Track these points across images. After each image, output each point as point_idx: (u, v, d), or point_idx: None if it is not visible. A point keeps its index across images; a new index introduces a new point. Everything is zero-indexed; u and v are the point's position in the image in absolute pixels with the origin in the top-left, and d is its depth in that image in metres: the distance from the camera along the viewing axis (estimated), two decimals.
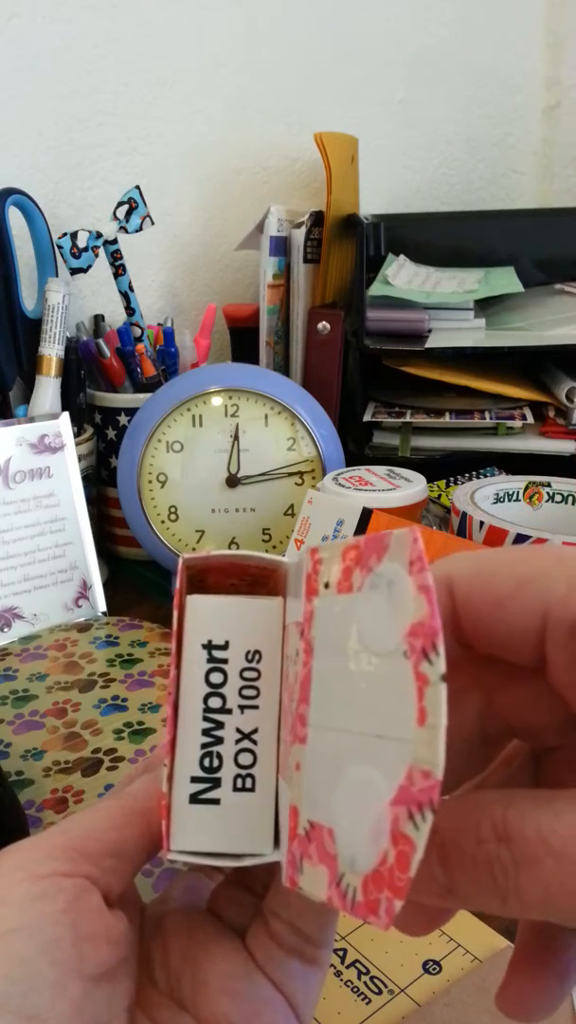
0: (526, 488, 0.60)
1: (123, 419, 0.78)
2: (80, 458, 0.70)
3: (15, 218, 0.74)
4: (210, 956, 0.23)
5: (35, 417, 0.67)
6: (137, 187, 0.77)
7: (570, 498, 0.60)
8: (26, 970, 0.19)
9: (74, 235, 0.73)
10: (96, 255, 0.74)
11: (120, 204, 0.76)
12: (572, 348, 0.77)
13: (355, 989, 0.36)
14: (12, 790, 0.43)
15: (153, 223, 0.78)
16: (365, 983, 0.36)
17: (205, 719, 0.21)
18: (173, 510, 0.69)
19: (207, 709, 0.21)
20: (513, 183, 1.14)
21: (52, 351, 0.72)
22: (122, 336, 0.79)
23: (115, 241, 0.76)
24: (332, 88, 0.99)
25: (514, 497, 0.60)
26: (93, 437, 0.78)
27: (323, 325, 0.83)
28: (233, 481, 0.68)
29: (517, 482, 0.60)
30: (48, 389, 0.73)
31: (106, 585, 0.70)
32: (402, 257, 0.88)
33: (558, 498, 0.60)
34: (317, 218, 0.85)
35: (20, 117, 0.83)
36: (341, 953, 0.37)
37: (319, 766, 0.19)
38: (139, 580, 0.76)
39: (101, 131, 0.87)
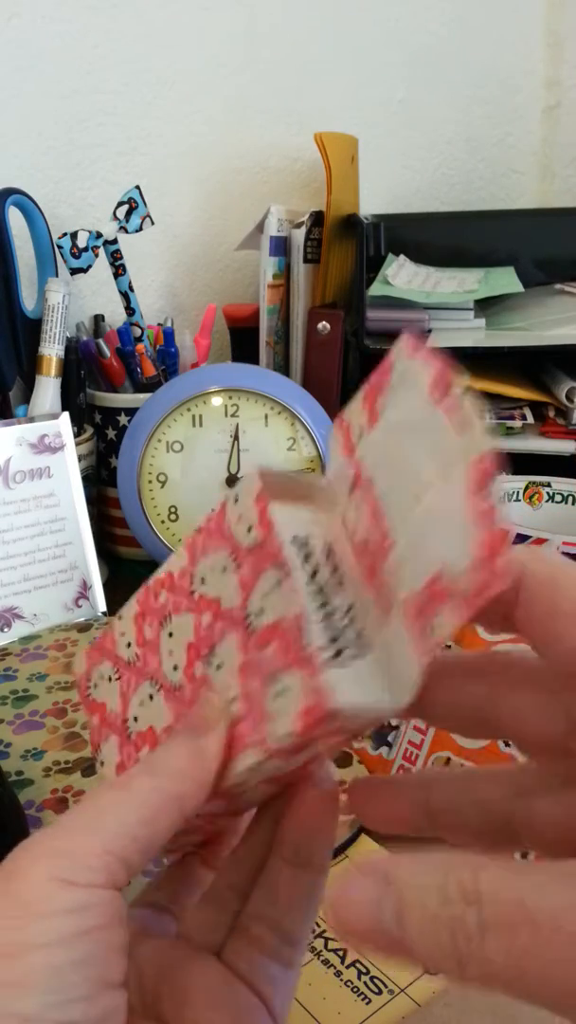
0: (526, 488, 0.60)
1: (123, 419, 0.78)
2: (80, 458, 0.70)
3: (15, 218, 0.74)
4: (188, 972, 0.23)
5: (35, 417, 0.67)
6: (137, 187, 0.77)
7: (570, 498, 0.60)
8: (62, 983, 0.19)
9: (74, 235, 0.73)
10: (96, 255, 0.74)
11: (120, 204, 0.76)
12: (572, 348, 0.77)
13: (355, 989, 0.36)
14: (12, 790, 0.43)
15: (153, 223, 0.78)
16: (365, 983, 0.36)
17: (315, 598, 0.22)
18: (173, 510, 0.69)
19: (313, 590, 0.22)
20: (513, 183, 1.14)
21: (52, 351, 0.72)
22: (122, 336, 0.79)
23: (115, 241, 0.76)
24: (332, 88, 0.99)
25: (514, 497, 0.60)
26: (93, 437, 0.78)
27: (323, 325, 0.83)
28: (233, 481, 0.68)
29: (517, 482, 0.60)
30: (48, 389, 0.73)
31: (106, 585, 0.70)
32: (402, 257, 0.88)
33: (558, 498, 0.60)
34: (317, 218, 0.85)
35: (20, 117, 0.83)
36: (341, 953, 0.37)
37: (410, 546, 0.21)
38: (139, 580, 0.76)
39: (101, 131, 0.87)
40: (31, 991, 0.19)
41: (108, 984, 0.20)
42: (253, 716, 0.22)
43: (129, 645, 0.27)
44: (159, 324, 0.83)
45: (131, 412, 0.75)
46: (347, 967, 0.37)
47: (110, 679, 0.27)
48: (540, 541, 0.49)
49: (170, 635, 0.26)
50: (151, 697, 0.25)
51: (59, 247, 0.73)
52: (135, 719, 0.26)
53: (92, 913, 0.20)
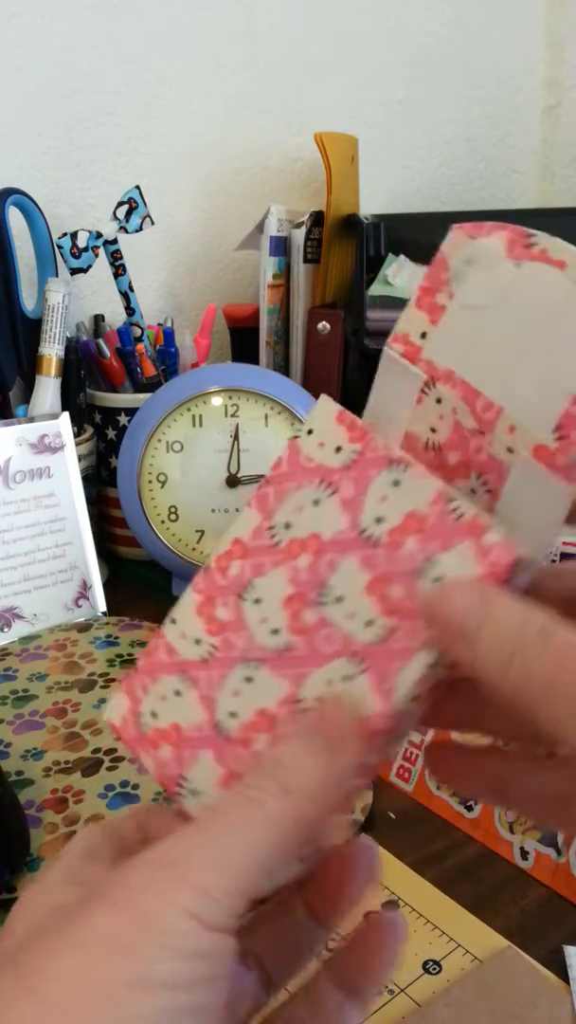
0: None
1: (123, 419, 0.78)
2: (80, 458, 0.70)
3: (15, 218, 0.74)
4: None
5: (35, 417, 0.67)
6: (137, 187, 0.77)
7: None
8: None
9: (74, 235, 0.73)
10: (96, 255, 0.74)
11: (120, 204, 0.76)
12: None
13: None
14: (12, 790, 0.43)
15: (153, 223, 0.78)
16: None
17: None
18: (173, 510, 0.69)
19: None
20: (513, 183, 1.14)
21: (52, 351, 0.72)
22: (122, 336, 0.79)
23: (115, 241, 0.76)
24: (332, 88, 0.99)
25: None
26: (93, 437, 0.78)
27: (323, 325, 0.83)
28: (233, 481, 0.68)
29: None
30: (48, 389, 0.73)
31: (106, 585, 0.70)
32: (402, 257, 0.88)
33: None
34: (317, 218, 0.85)
35: (20, 117, 0.83)
36: None
37: (524, 401, 0.22)
38: (139, 580, 0.76)
39: (101, 131, 0.87)
40: None
41: None
42: (409, 622, 0.21)
43: (198, 641, 0.24)
44: (159, 324, 0.83)
45: (131, 412, 0.75)
46: None
47: (178, 693, 0.24)
48: None
49: (256, 602, 0.24)
50: (249, 680, 0.23)
51: (59, 247, 0.73)
52: (231, 715, 0.23)
53: (217, 960, 0.19)
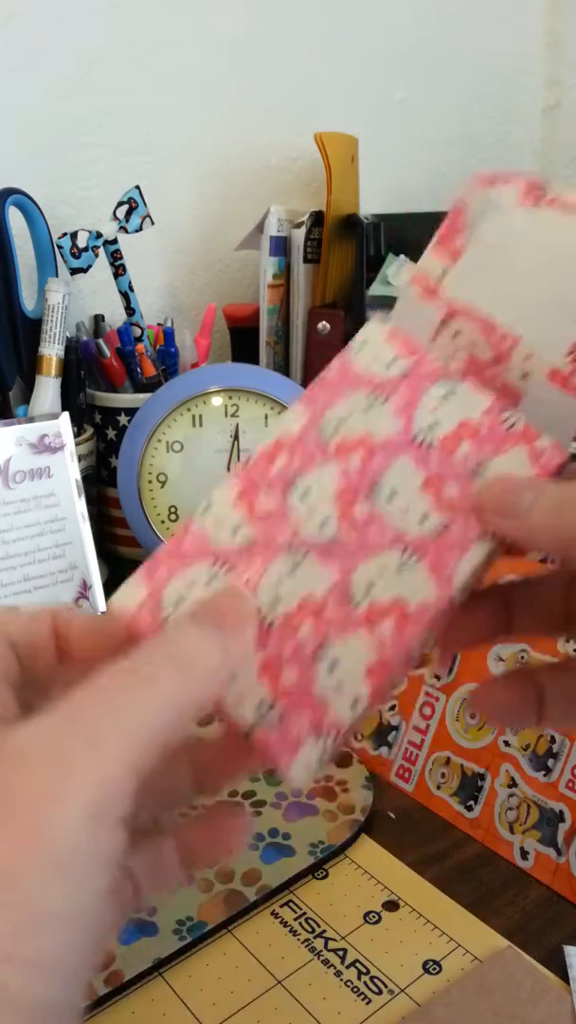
0: None
1: (123, 419, 0.78)
2: (80, 458, 0.70)
3: (15, 218, 0.74)
4: None
5: (35, 417, 0.67)
6: (137, 187, 0.77)
7: None
8: (77, 963, 0.17)
9: (74, 235, 0.73)
10: (96, 255, 0.74)
11: (120, 204, 0.76)
12: None
13: (355, 989, 0.36)
14: None
15: (153, 223, 0.78)
16: (365, 983, 0.36)
17: None
18: (173, 510, 0.69)
19: None
20: None
21: (52, 351, 0.72)
22: (122, 336, 0.79)
23: (115, 241, 0.76)
24: (332, 88, 0.99)
25: None
26: (93, 437, 0.78)
27: (323, 325, 0.83)
28: None
29: None
30: (48, 389, 0.73)
31: (106, 585, 0.70)
32: (402, 257, 0.88)
33: None
34: (317, 218, 0.85)
35: (20, 117, 0.83)
36: (341, 953, 0.37)
37: (540, 328, 0.24)
38: None
39: (101, 131, 0.87)
40: (50, 974, 0.17)
41: (101, 953, 0.19)
42: (464, 517, 0.23)
43: (236, 530, 0.24)
44: (159, 324, 0.83)
45: (131, 412, 0.75)
46: (347, 967, 0.37)
47: (210, 581, 0.24)
48: None
49: (304, 496, 0.24)
50: (294, 568, 0.23)
51: (59, 247, 0.73)
52: (274, 602, 0.23)
53: (111, 867, 0.18)
